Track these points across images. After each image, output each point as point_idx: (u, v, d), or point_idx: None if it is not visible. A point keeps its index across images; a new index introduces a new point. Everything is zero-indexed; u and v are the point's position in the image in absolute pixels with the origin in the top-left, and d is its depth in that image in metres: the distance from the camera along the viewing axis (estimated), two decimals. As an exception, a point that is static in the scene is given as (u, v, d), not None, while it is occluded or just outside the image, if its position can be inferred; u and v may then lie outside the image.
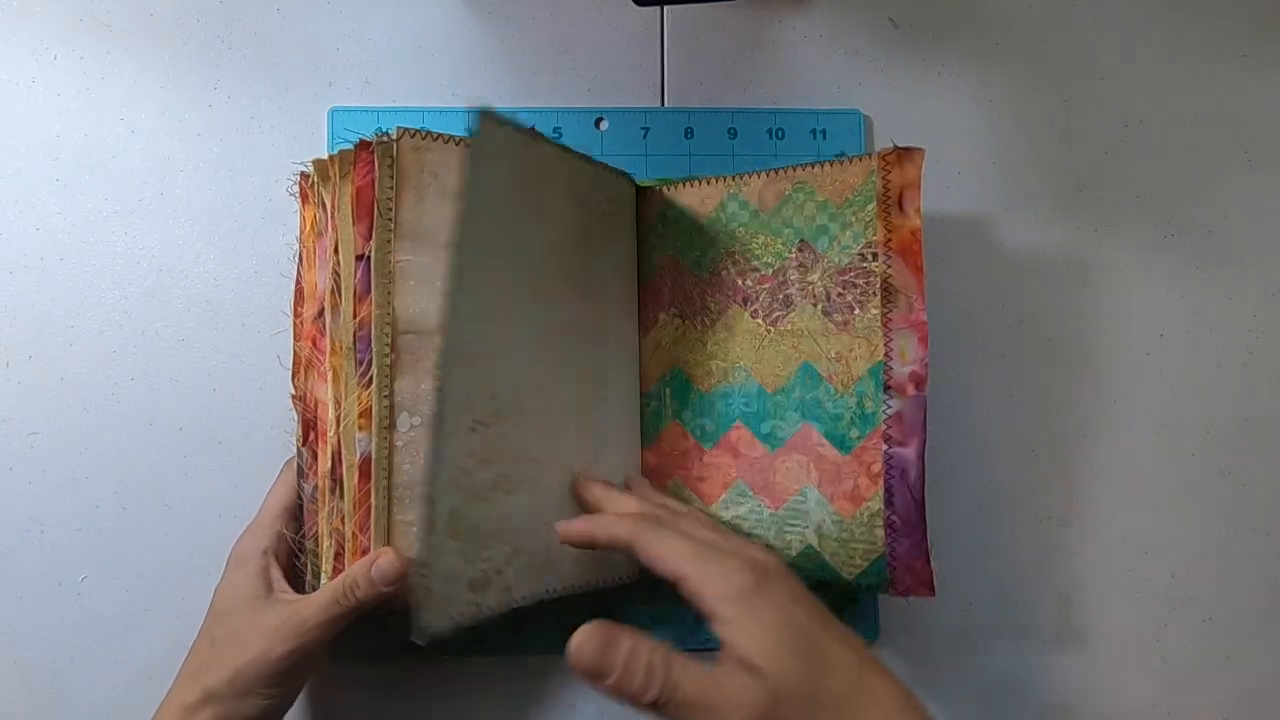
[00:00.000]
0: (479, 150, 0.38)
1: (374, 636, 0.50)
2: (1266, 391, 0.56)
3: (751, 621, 0.34)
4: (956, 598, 0.53)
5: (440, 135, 0.43)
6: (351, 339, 0.42)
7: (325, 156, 0.44)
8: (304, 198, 0.46)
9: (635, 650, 0.34)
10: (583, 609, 0.51)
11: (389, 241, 0.42)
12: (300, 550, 0.45)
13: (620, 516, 0.40)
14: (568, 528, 0.41)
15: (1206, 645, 0.54)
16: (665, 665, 0.33)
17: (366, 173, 0.42)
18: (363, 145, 0.42)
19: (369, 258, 0.42)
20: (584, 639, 0.34)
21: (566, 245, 0.45)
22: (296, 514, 0.45)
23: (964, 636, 0.53)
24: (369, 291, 0.42)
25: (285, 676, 0.41)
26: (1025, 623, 0.53)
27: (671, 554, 0.36)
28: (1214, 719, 0.54)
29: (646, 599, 0.51)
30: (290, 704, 0.43)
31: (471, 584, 0.39)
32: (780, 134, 0.54)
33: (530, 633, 0.50)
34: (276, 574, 0.43)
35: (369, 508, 0.42)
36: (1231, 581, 0.55)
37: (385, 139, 0.42)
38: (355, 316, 0.42)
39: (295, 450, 0.46)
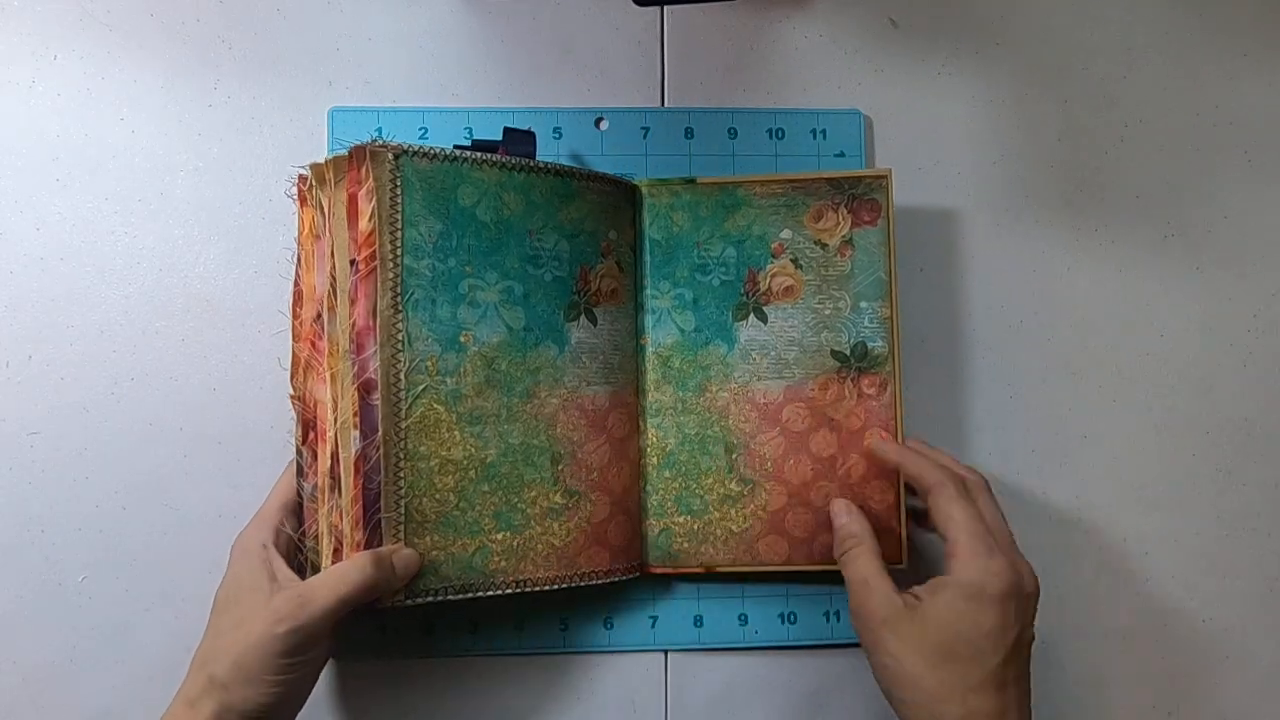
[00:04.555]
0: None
1: (375, 635, 0.50)
2: (1266, 391, 0.56)
3: (943, 612, 0.41)
4: (956, 598, 0.53)
5: (432, 150, 0.44)
6: (347, 341, 0.43)
7: (322, 160, 0.44)
8: (302, 200, 0.46)
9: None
10: (583, 611, 0.51)
11: (388, 248, 0.43)
12: (300, 547, 0.45)
13: (935, 464, 0.45)
14: (882, 443, 0.48)
15: (1206, 645, 0.54)
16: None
17: (357, 179, 0.43)
18: (356, 152, 0.43)
19: (358, 262, 0.43)
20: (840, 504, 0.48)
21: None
22: (297, 510, 0.45)
23: (964, 636, 0.53)
24: (359, 296, 0.43)
25: (290, 662, 0.40)
26: (1025, 623, 0.53)
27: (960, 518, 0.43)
28: (1214, 719, 0.54)
29: (647, 600, 0.51)
30: (295, 703, 0.43)
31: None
32: (780, 134, 0.54)
33: (530, 632, 0.51)
34: (279, 564, 0.43)
35: (364, 504, 0.43)
36: (1231, 581, 0.55)
37: (380, 147, 0.43)
38: (350, 319, 0.43)
39: (295, 450, 0.46)
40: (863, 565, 0.44)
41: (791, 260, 0.50)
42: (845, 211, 0.50)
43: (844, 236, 0.50)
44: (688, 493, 0.50)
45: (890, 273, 0.49)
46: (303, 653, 0.40)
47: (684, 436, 0.50)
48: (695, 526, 0.49)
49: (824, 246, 0.50)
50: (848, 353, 0.49)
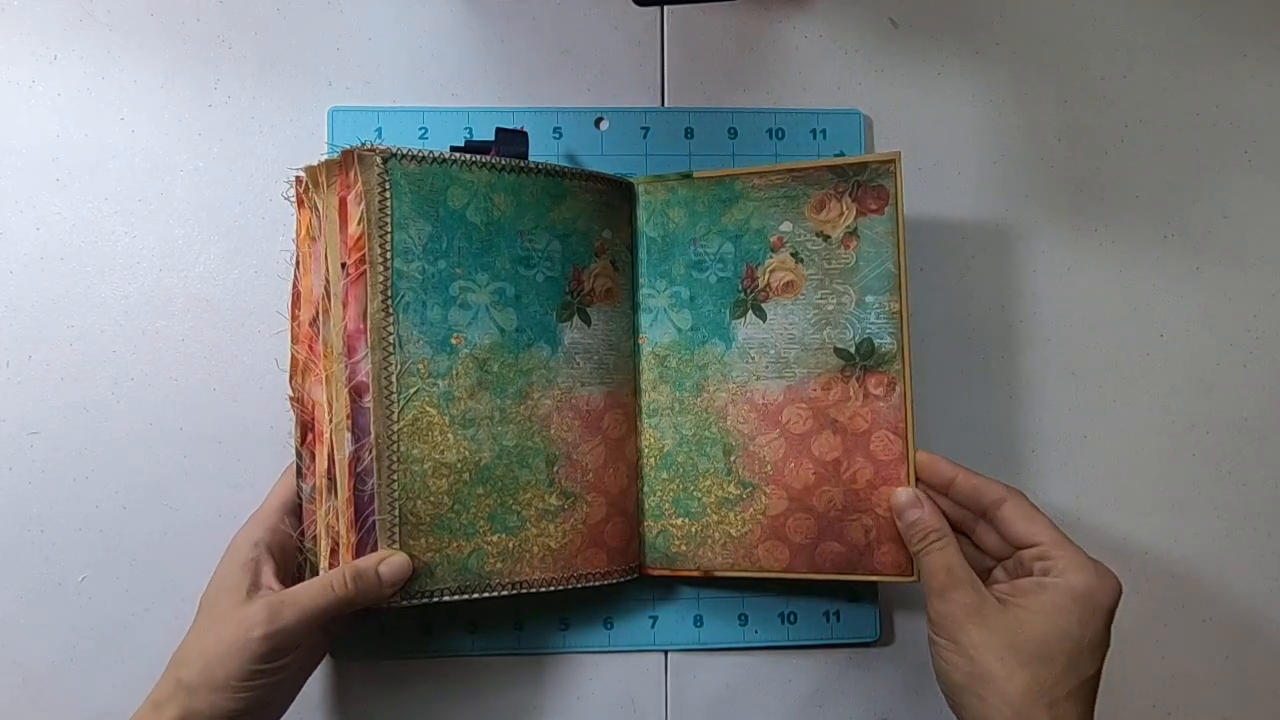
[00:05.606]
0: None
1: (374, 635, 0.50)
2: (1266, 391, 0.56)
3: (1047, 613, 0.40)
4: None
5: (420, 153, 0.44)
6: (341, 344, 0.43)
7: (317, 163, 0.45)
8: (300, 202, 0.46)
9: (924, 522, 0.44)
10: (583, 611, 0.51)
11: (377, 251, 0.43)
12: (300, 548, 0.45)
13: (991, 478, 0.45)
14: (933, 459, 0.46)
15: (1206, 645, 0.54)
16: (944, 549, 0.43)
17: (346, 183, 0.43)
18: (345, 155, 0.43)
19: (348, 266, 0.43)
20: (906, 495, 0.45)
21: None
22: (296, 511, 0.45)
23: (964, 636, 0.53)
24: (350, 299, 0.43)
25: (260, 669, 0.39)
26: (1025, 623, 0.53)
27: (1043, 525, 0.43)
28: (1214, 719, 0.54)
29: (647, 601, 0.51)
30: (271, 709, 0.42)
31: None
32: (780, 134, 0.54)
33: (530, 632, 0.51)
34: (266, 569, 0.42)
35: (357, 507, 0.42)
36: (1231, 581, 0.55)
37: (369, 151, 0.43)
38: (342, 321, 0.43)
39: (294, 451, 0.46)
40: (950, 555, 0.43)
41: (792, 254, 0.48)
42: (849, 200, 0.47)
43: (848, 227, 0.47)
44: (685, 495, 0.49)
45: (900, 264, 0.46)
46: (273, 660, 0.39)
47: (681, 437, 0.49)
48: (693, 529, 0.49)
49: (826, 238, 0.48)
50: (852, 350, 0.47)
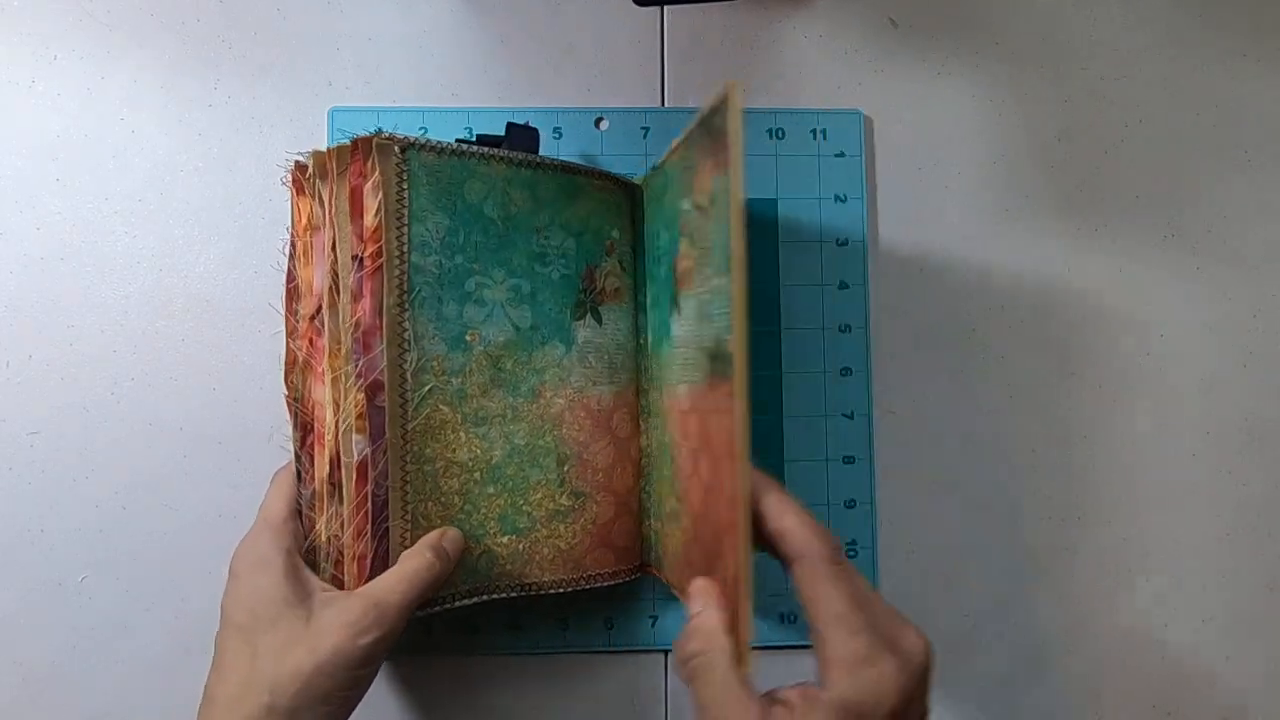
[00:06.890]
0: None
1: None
2: (1266, 391, 0.56)
3: None
4: (956, 598, 0.53)
5: (438, 144, 0.43)
6: (349, 341, 0.41)
7: (324, 149, 0.43)
8: (299, 189, 0.44)
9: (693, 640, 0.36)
10: (583, 610, 0.51)
11: (394, 244, 0.41)
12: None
13: (809, 521, 0.36)
14: (769, 495, 0.36)
15: (1206, 645, 0.54)
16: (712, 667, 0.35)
17: (361, 172, 0.42)
18: (361, 143, 0.41)
19: (363, 259, 0.41)
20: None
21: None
22: (299, 517, 0.43)
23: (964, 637, 0.53)
24: (365, 293, 0.41)
25: (365, 673, 0.38)
26: (1025, 623, 0.53)
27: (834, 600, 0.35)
28: (1214, 719, 0.54)
29: (647, 601, 0.51)
30: (350, 711, 0.40)
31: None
32: (780, 134, 0.54)
33: (530, 633, 0.51)
34: (309, 573, 0.40)
35: (366, 512, 0.41)
36: (1231, 581, 0.55)
37: (387, 139, 0.41)
38: (352, 317, 0.41)
39: (292, 453, 0.44)
40: (718, 684, 0.34)
41: (687, 237, 0.41)
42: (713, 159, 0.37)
43: (709, 192, 0.37)
44: (661, 497, 0.48)
45: (732, 229, 0.34)
46: (378, 660, 0.38)
47: (669, 440, 0.48)
48: (668, 531, 0.47)
49: (701, 210, 0.39)
50: (714, 350, 0.38)
